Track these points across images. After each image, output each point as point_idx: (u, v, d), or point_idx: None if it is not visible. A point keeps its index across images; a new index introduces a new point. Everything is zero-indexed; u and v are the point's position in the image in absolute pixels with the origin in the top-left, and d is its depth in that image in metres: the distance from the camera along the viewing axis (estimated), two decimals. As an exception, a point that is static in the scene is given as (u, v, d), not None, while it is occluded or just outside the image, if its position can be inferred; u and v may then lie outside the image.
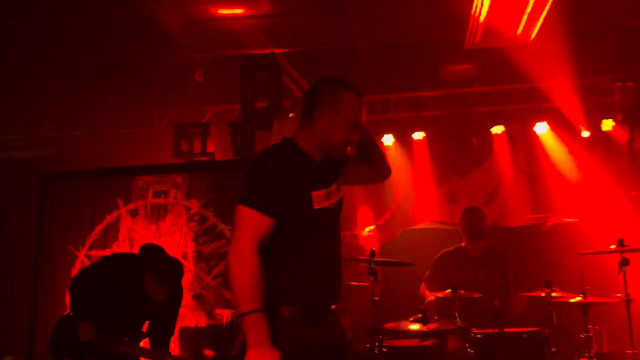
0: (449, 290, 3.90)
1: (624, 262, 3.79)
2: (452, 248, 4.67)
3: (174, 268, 3.45)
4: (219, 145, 5.47)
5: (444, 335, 3.95)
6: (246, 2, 5.13)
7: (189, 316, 4.73)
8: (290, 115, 5.48)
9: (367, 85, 7.24)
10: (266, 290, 1.99)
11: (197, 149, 5.73)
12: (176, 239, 4.83)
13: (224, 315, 4.66)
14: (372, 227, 7.55)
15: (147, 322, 3.45)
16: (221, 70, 6.45)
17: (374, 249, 4.14)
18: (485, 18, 5.31)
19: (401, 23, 6.09)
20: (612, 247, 3.92)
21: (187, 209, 4.90)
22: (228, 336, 4.63)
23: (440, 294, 4.02)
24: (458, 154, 7.55)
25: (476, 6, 5.11)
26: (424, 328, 3.77)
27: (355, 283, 4.73)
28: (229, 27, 5.87)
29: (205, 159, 5.54)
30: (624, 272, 3.81)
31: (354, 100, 2.16)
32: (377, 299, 4.02)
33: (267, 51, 5.95)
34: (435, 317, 3.86)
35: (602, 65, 6.40)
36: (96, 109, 6.85)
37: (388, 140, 7.59)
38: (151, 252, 3.51)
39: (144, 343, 3.46)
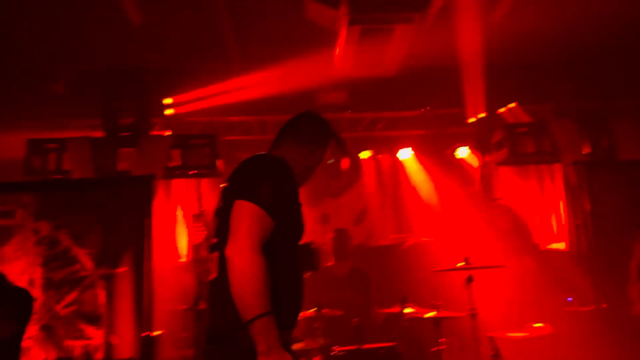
0: (314, 309, 3.95)
1: (470, 279, 4.10)
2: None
3: (24, 299, 3.05)
4: (78, 162, 5.10)
5: (308, 354, 3.98)
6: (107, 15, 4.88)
7: (37, 349, 4.28)
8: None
9: (244, 107, 7.26)
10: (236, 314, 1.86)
11: (52, 166, 5.28)
12: (21, 265, 4.38)
13: (76, 346, 4.29)
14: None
15: None
16: (85, 83, 6.09)
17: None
18: (354, 49, 5.59)
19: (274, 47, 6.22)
20: (460, 264, 4.23)
21: (36, 231, 4.47)
22: (80, 369, 4.27)
23: (304, 314, 4.05)
24: (331, 176, 7.77)
25: (345, 37, 5.36)
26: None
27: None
28: (97, 38, 5.58)
29: (60, 177, 5.12)
30: (470, 289, 4.11)
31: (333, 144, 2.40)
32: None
33: (133, 64, 5.72)
34: (299, 337, 3.89)
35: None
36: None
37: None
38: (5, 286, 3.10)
39: None
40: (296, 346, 3.79)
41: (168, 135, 5.43)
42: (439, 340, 4.11)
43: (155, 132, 5.81)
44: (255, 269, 1.82)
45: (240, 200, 1.92)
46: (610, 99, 5.52)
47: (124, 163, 5.32)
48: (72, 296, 4.37)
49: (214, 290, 2.00)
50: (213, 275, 2.01)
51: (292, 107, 7.12)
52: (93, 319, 4.33)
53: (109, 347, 4.31)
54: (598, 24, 4.94)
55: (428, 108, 7.03)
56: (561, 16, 4.84)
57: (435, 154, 7.43)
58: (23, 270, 4.35)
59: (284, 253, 1.99)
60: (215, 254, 2.01)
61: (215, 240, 2.05)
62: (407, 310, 3.94)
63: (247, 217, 1.89)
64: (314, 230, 7.42)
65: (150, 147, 5.25)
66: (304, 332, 4.02)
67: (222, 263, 1.93)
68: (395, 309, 3.99)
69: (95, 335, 4.32)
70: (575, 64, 5.53)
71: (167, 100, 6.07)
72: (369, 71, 6.44)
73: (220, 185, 2.17)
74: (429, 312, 4.05)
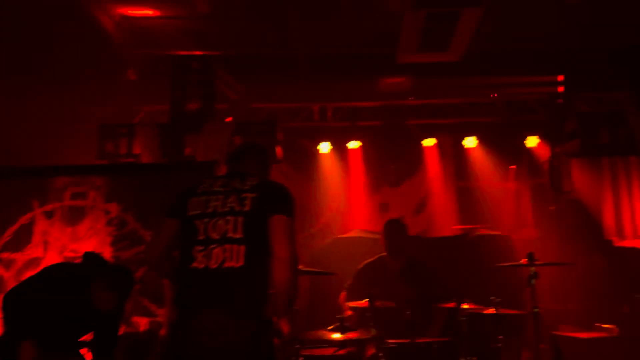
0: (366, 299, 3.94)
1: (533, 276, 3.94)
2: (374, 258, 4.72)
3: (126, 274, 3.31)
4: (146, 147, 5.32)
5: (360, 344, 3.98)
6: (176, 2, 5.01)
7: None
8: None
9: (305, 93, 7.29)
10: (262, 304, 2.46)
11: (123, 150, 5.55)
12: (93, 244, 4.65)
13: (142, 323, 4.52)
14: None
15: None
16: (156, 70, 6.30)
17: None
18: (419, 33, 5.45)
19: (339, 34, 6.17)
20: (523, 260, 4.07)
21: (107, 212, 4.72)
22: (145, 344, 4.49)
23: (357, 304, 4.05)
24: (391, 165, 7.69)
25: (409, 21, 5.23)
26: (341, 337, 3.79)
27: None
28: (164, 27, 5.75)
29: (131, 160, 5.37)
30: (533, 286, 3.96)
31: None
32: (296, 308, 4.01)
33: (200, 53, 5.86)
34: (353, 326, 3.90)
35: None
36: (18, 103, 6.51)
37: (324, 148, 7.64)
38: (97, 259, 3.34)
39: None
40: (350, 335, 3.80)
41: (230, 122, 5.55)
42: (498, 338, 4.00)
43: (220, 119, 5.96)
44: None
45: (284, 216, 2.54)
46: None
47: (189, 148, 5.51)
48: (137, 275, 4.58)
49: (240, 275, 2.44)
50: (234, 263, 2.44)
51: (353, 94, 7.15)
52: (157, 298, 4.54)
53: (171, 325, 4.50)
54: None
55: (495, 95, 6.78)
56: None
57: (503, 143, 7.17)
58: (94, 248, 4.61)
59: None
60: (238, 247, 2.46)
61: (236, 235, 2.48)
62: (464, 306, 3.84)
63: (291, 230, 2.54)
64: (373, 219, 7.39)
65: (214, 133, 5.39)
66: (356, 323, 4.03)
67: (251, 255, 2.46)
68: (451, 304, 3.90)
69: (159, 313, 4.53)
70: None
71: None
72: (434, 57, 6.25)
73: (244, 192, 2.58)
74: (487, 308, 3.93)
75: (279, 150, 5.60)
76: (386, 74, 6.89)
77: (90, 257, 3.36)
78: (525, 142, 6.97)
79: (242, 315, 2.40)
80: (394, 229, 4.68)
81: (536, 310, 3.97)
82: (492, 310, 3.89)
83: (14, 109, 6.39)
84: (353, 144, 7.57)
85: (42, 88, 6.33)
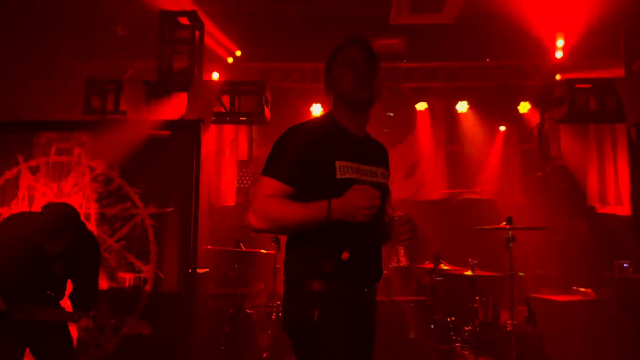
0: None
1: (511, 239, 4.00)
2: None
3: (64, 210, 3.20)
4: (133, 104, 5.28)
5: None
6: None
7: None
8: None
9: (297, 53, 7.19)
10: (295, 263, 2.07)
11: (109, 106, 5.51)
12: (79, 200, 4.67)
13: (127, 278, 4.59)
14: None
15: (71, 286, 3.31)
16: (146, 26, 6.19)
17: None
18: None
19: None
20: (503, 224, 4.12)
21: (92, 169, 4.72)
22: (130, 299, 4.58)
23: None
24: (383, 128, 7.67)
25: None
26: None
27: (255, 250, 4.77)
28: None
29: (118, 117, 5.34)
30: (510, 249, 4.02)
31: (343, 48, 2.21)
32: (278, 266, 4.09)
33: (189, 9, 5.75)
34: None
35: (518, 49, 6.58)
36: (5, 59, 6.43)
37: (317, 109, 7.63)
38: (47, 207, 3.30)
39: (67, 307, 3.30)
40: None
41: (219, 81, 5.49)
42: (475, 298, 4.08)
43: (208, 78, 5.91)
44: (271, 208, 2.07)
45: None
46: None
47: (175, 106, 5.46)
48: (123, 231, 4.64)
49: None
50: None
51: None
52: (142, 254, 4.60)
53: (157, 281, 4.58)
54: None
55: (488, 59, 6.70)
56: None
57: (495, 108, 7.14)
58: (79, 204, 4.64)
59: None
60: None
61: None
62: (442, 267, 3.91)
63: (257, 188, 2.11)
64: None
65: (201, 92, 5.34)
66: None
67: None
68: (428, 265, 3.97)
69: (144, 269, 4.60)
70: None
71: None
72: (427, 18, 6.13)
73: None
74: (464, 270, 4.01)
75: (267, 111, 5.57)
76: (380, 35, 6.80)
77: (47, 206, 3.33)
78: (517, 107, 6.95)
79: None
80: None
81: (512, 272, 4.04)
82: (468, 272, 3.96)
83: (1, 65, 6.33)
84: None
85: (30, 44, 6.25)
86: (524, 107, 6.91)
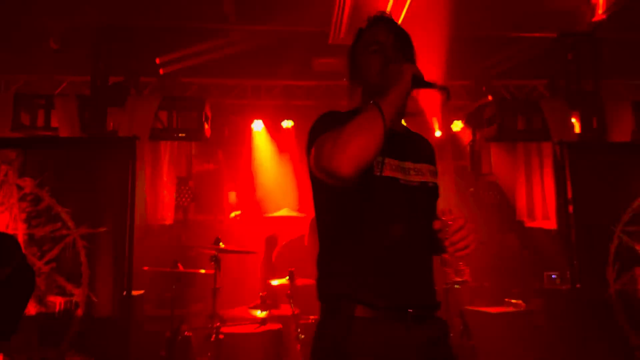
0: (287, 277, 4.00)
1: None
2: (297, 236, 4.79)
3: (8, 242, 3.06)
4: (65, 120, 5.09)
5: (281, 321, 4.05)
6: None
7: (21, 302, 4.37)
8: None
9: (239, 69, 7.16)
10: (326, 279, 1.75)
11: (40, 122, 5.28)
12: (5, 220, 4.43)
13: (57, 302, 4.38)
14: (238, 212, 7.53)
15: None
16: (80, 40, 6.01)
17: (219, 237, 4.12)
18: (349, 15, 5.46)
19: (276, 11, 6.09)
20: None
21: (20, 187, 4.50)
22: (61, 325, 4.37)
23: (277, 281, 4.11)
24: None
25: (339, 3, 5.23)
26: (262, 314, 3.85)
27: (193, 270, 4.69)
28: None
29: (49, 134, 5.12)
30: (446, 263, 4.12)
31: (368, 30, 1.91)
32: (218, 287, 4.03)
33: (129, 24, 5.64)
34: (274, 304, 3.96)
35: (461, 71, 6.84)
36: None
37: (258, 126, 7.63)
38: None
39: None
40: (271, 312, 3.86)
41: (156, 96, 5.39)
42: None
43: (145, 93, 5.79)
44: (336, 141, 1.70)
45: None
46: (603, 78, 5.41)
47: (111, 123, 5.32)
48: (53, 253, 4.43)
49: None
50: None
51: (288, 73, 7.11)
52: (73, 277, 4.40)
53: (89, 305, 4.39)
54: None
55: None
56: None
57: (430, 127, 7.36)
58: (7, 225, 4.40)
59: (361, 218, 1.83)
60: None
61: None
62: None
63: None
64: (304, 199, 7.44)
65: (138, 108, 5.22)
66: (278, 301, 4.09)
67: None
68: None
69: (76, 293, 4.40)
70: (566, 40, 5.39)
71: (159, 60, 6.01)
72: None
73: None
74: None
75: (206, 127, 5.51)
76: (320, 55, 6.91)
77: None
78: (450, 126, 7.20)
79: None
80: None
81: (448, 285, 4.17)
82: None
83: None
84: (287, 123, 7.58)
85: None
86: (456, 125, 7.18)
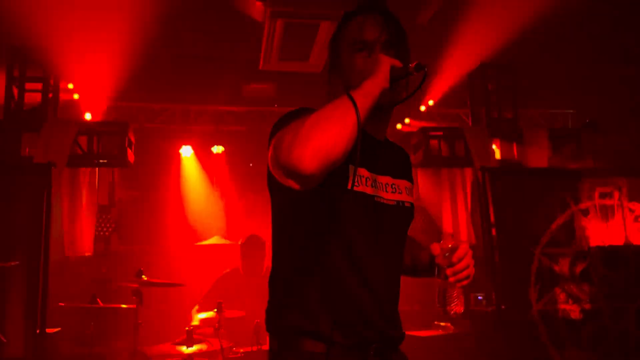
0: (214, 310, 3.86)
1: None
2: (230, 269, 4.66)
3: None
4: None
5: (209, 356, 3.89)
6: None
7: None
8: None
9: (167, 94, 7.00)
10: (277, 308, 1.55)
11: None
12: None
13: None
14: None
15: None
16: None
17: (141, 269, 3.92)
18: (279, 43, 5.49)
19: (202, 35, 6.02)
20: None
21: None
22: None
23: (205, 315, 3.96)
24: (255, 171, 7.68)
25: (269, 30, 5.25)
26: (188, 351, 3.69)
27: (114, 305, 4.44)
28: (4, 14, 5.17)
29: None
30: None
31: (355, 19, 1.62)
32: (140, 322, 3.82)
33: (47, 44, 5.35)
34: (202, 338, 3.80)
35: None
36: None
37: (187, 151, 7.48)
38: None
39: None
40: (195, 347, 3.70)
41: (75, 121, 5.14)
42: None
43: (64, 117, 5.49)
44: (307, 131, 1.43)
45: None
46: (522, 106, 5.74)
47: (27, 149, 5.00)
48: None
49: None
50: None
51: (218, 97, 7.03)
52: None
53: (-3, 346, 4.03)
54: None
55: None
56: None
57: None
58: None
59: (328, 239, 1.62)
60: None
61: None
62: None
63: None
64: (234, 226, 7.30)
65: (55, 133, 4.94)
66: (206, 335, 3.93)
67: None
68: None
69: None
70: (488, 70, 5.68)
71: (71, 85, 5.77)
72: (295, 66, 6.32)
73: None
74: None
75: (130, 153, 5.29)
76: (250, 80, 6.90)
77: None
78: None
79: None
80: (252, 244, 4.56)
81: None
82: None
83: None
84: (217, 149, 7.47)
85: None
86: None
